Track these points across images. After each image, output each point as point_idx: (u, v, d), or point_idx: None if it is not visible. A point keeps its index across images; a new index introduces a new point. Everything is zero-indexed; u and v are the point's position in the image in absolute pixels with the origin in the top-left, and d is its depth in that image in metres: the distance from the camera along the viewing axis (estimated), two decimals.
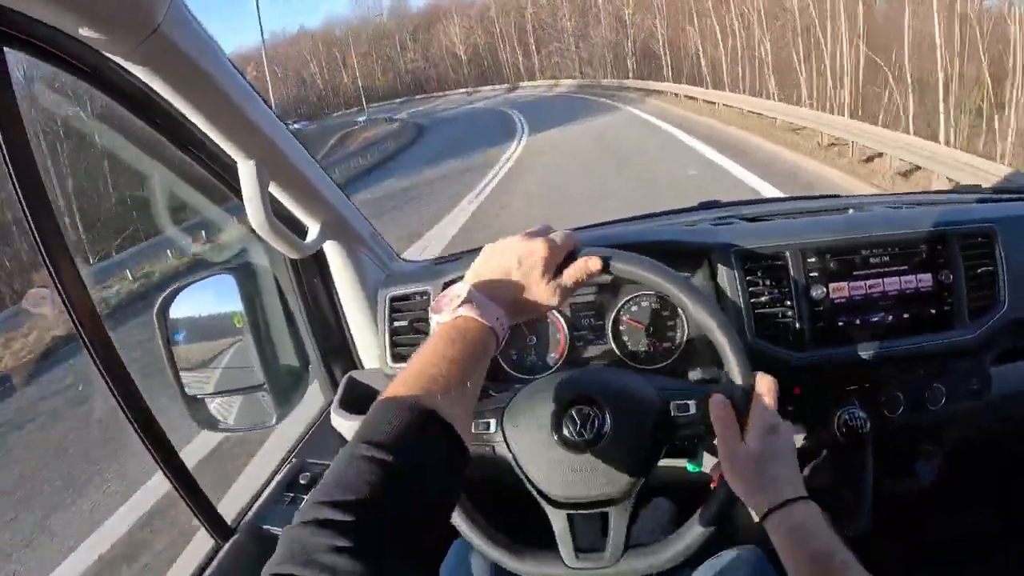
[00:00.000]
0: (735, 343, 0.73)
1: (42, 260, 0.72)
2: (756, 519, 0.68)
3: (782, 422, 0.71)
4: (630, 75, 29.37)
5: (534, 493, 0.75)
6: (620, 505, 0.75)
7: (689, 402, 0.73)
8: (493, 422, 0.76)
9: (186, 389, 1.06)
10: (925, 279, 1.00)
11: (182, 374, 1.06)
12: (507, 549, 0.76)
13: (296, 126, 24.20)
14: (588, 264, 0.73)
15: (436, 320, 0.66)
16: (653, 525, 1.19)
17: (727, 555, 0.89)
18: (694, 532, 0.73)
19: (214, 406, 1.10)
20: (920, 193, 1.33)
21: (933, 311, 1.00)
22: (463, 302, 0.65)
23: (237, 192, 0.90)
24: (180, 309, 1.06)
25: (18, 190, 0.66)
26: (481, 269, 0.71)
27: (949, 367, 1.01)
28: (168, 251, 8.10)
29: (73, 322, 0.75)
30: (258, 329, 1.07)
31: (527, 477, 0.75)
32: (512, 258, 0.71)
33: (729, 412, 0.71)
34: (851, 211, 1.11)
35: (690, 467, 0.92)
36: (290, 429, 1.19)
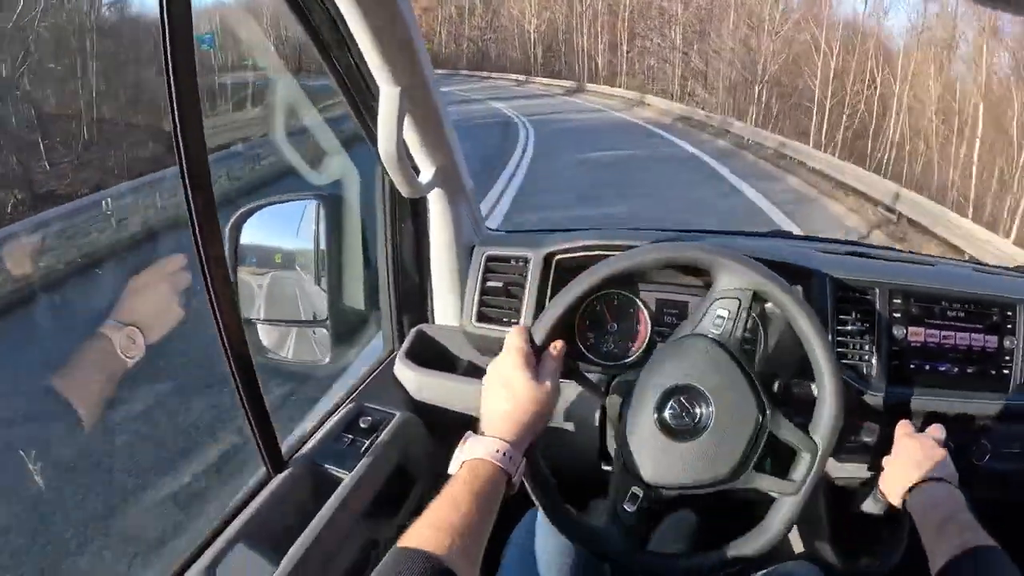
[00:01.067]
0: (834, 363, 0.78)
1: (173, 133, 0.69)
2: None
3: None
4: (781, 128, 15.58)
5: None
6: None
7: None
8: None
9: (243, 311, 1.02)
10: (992, 340, 1.04)
11: (242, 294, 1.03)
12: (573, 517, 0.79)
13: None
14: (557, 346, 0.79)
15: (455, 459, 0.70)
16: (675, 535, 1.19)
17: (783, 567, 0.90)
18: (768, 537, 0.78)
19: (266, 333, 1.07)
20: (994, 266, 1.39)
21: (993, 372, 1.04)
22: (463, 447, 0.70)
23: (362, 116, 0.89)
24: (256, 227, 1.04)
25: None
26: (484, 410, 0.74)
27: (996, 428, 1.05)
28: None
29: (189, 211, 0.72)
30: (332, 264, 1.05)
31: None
32: (498, 388, 0.74)
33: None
34: (938, 266, 1.15)
35: None
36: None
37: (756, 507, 0.82)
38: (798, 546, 1.05)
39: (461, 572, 0.58)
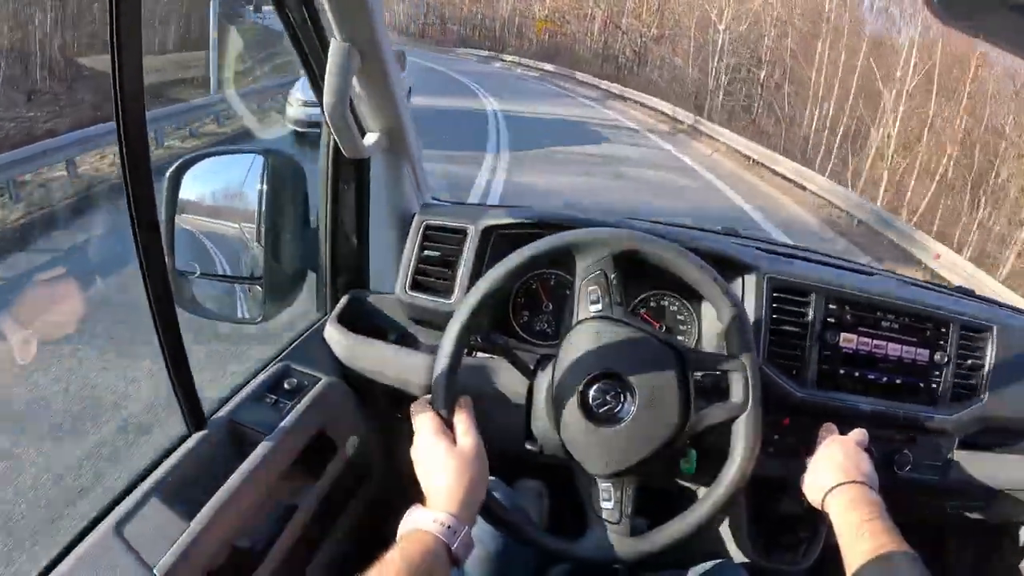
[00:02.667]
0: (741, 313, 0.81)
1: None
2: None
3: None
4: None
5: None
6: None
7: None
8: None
9: (177, 262, 1.00)
10: (923, 354, 1.05)
11: (177, 246, 1.00)
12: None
13: None
14: (462, 403, 0.79)
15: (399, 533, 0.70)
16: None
17: (708, 566, 0.92)
18: (695, 518, 0.80)
19: (201, 287, 1.05)
20: (932, 283, 1.41)
21: (921, 384, 1.06)
22: (406, 519, 0.71)
23: (312, 72, 0.87)
24: (197, 178, 1.01)
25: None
26: (426, 491, 0.74)
27: (921, 439, 1.08)
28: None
29: (123, 167, 0.70)
30: (272, 222, 1.03)
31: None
32: (427, 467, 0.75)
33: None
34: (876, 276, 1.16)
35: (683, 468, 0.94)
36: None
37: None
38: (719, 545, 1.05)
39: None
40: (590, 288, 0.82)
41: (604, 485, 0.79)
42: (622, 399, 0.79)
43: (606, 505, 0.79)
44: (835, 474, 0.86)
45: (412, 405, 0.80)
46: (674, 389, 0.79)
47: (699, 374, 0.91)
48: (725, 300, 0.81)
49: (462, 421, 0.78)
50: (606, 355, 0.80)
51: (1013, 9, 0.42)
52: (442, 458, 0.74)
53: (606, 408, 0.79)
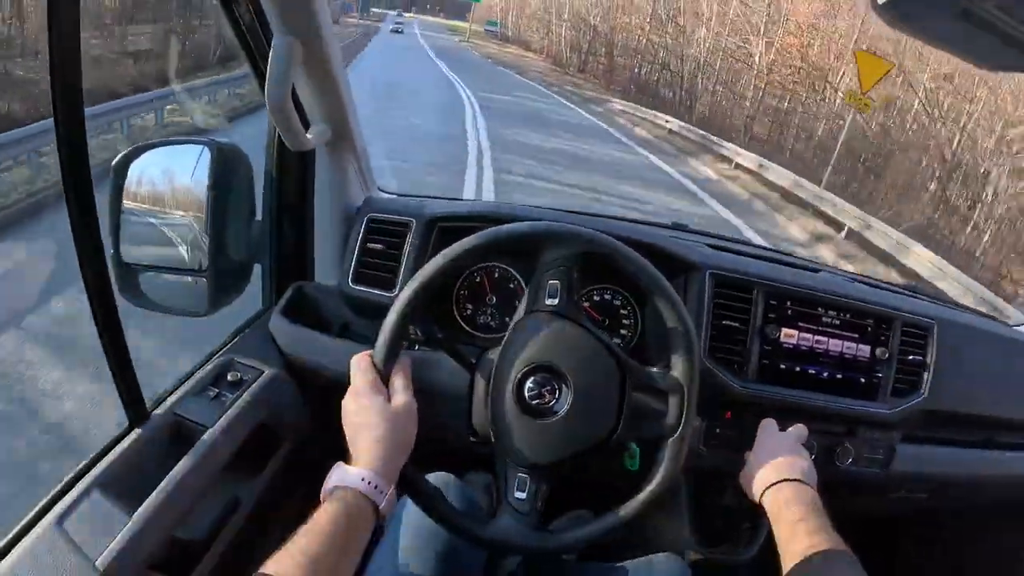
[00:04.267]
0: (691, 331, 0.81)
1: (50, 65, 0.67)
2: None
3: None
4: None
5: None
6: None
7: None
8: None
9: (122, 254, 0.99)
10: (864, 350, 1.07)
11: (122, 237, 0.99)
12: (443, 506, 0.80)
13: None
14: (402, 361, 0.79)
15: (324, 488, 0.70)
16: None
17: (649, 559, 0.94)
18: (627, 511, 0.80)
19: (145, 279, 1.04)
20: (870, 277, 1.44)
21: (863, 379, 1.08)
22: (330, 477, 0.70)
23: (255, 64, 0.87)
24: (142, 169, 1.01)
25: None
26: (350, 443, 0.74)
27: (862, 433, 1.10)
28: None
29: (60, 160, 0.70)
30: (217, 214, 1.02)
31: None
32: (356, 420, 0.74)
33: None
34: (821, 273, 1.18)
35: (627, 464, 0.94)
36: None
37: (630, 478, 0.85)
38: (661, 537, 1.06)
39: None
40: (551, 282, 0.82)
41: (521, 475, 0.79)
42: (558, 394, 0.79)
43: (519, 495, 0.79)
44: (772, 471, 0.87)
45: (354, 358, 0.79)
46: (613, 400, 0.79)
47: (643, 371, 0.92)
48: (676, 311, 0.81)
49: (399, 378, 0.77)
50: (549, 348, 0.80)
51: (957, 16, 0.43)
52: (374, 414, 0.73)
53: (539, 401, 0.79)
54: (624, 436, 0.80)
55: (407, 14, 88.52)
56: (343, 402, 0.76)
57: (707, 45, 22.84)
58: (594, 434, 0.79)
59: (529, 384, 0.79)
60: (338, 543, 0.63)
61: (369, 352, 0.78)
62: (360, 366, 0.77)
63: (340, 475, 0.69)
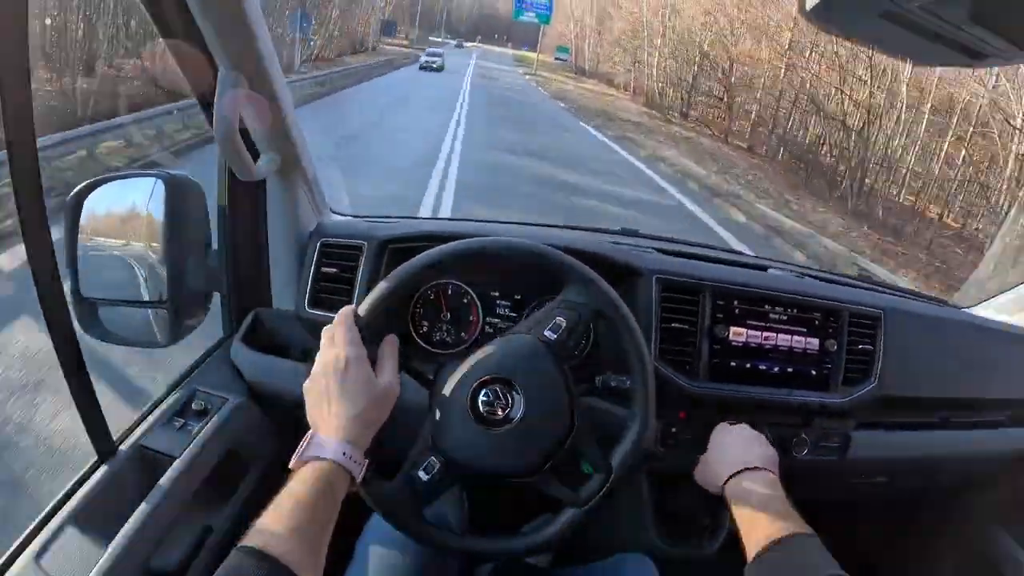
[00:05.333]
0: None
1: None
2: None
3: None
4: None
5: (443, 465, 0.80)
6: (527, 485, 0.82)
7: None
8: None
9: (81, 289, 1.00)
10: (813, 343, 1.11)
11: (80, 272, 1.00)
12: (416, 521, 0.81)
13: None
14: (390, 341, 0.80)
15: (297, 456, 0.70)
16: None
17: (615, 560, 0.95)
18: (569, 515, 0.82)
19: (106, 313, 1.05)
20: (825, 271, 1.47)
21: (813, 372, 1.11)
22: (309, 446, 0.70)
23: (203, 97, 0.88)
24: (97, 203, 1.01)
25: None
26: (325, 407, 0.73)
27: (816, 423, 1.14)
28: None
29: (15, 192, 0.71)
30: (174, 245, 1.03)
31: (441, 447, 0.80)
32: (323, 384, 0.74)
33: None
34: (770, 270, 1.21)
35: (584, 468, 0.96)
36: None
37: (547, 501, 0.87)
38: (624, 536, 1.09)
39: (303, 574, 0.59)
40: (559, 317, 0.84)
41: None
42: (511, 403, 0.80)
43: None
44: (728, 464, 0.89)
45: (340, 314, 0.78)
46: (545, 443, 0.81)
47: (598, 378, 0.95)
48: (643, 405, 0.84)
49: (388, 358, 0.77)
50: (521, 371, 0.82)
51: (884, 16, 0.45)
52: (359, 390, 0.72)
53: (491, 410, 0.80)
54: (540, 481, 0.82)
55: (468, 43, 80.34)
56: (323, 364, 0.74)
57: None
58: (516, 466, 0.81)
59: (486, 392, 0.80)
60: (318, 514, 0.65)
61: (350, 309, 0.79)
62: (345, 323, 0.77)
63: (318, 445, 0.69)
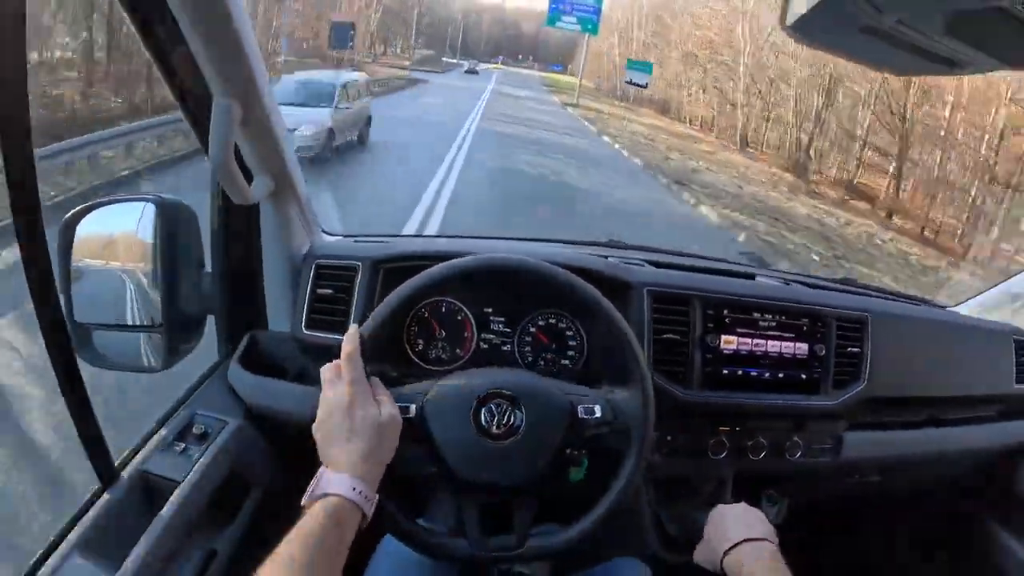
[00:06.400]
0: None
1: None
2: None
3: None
4: None
5: (443, 478, 0.82)
6: (528, 493, 0.83)
7: (594, 406, 0.84)
8: (414, 407, 0.82)
9: (75, 314, 1.00)
10: (802, 348, 1.12)
11: (75, 297, 1.00)
12: (421, 531, 0.82)
13: None
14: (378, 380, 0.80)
15: (309, 493, 0.70)
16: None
17: (610, 566, 0.96)
18: (594, 517, 0.83)
19: (100, 338, 1.04)
20: (810, 276, 1.50)
21: (804, 376, 1.13)
22: (320, 484, 0.70)
23: (196, 124, 0.89)
24: (90, 228, 1.01)
25: None
26: (336, 445, 0.74)
27: (809, 426, 1.16)
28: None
29: (12, 209, 0.70)
30: (167, 269, 1.03)
31: (444, 461, 0.81)
32: (330, 424, 0.75)
33: None
34: (758, 278, 1.23)
35: (572, 476, 0.97)
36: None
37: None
38: (623, 542, 1.10)
39: None
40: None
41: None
42: (512, 417, 0.82)
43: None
44: (726, 538, 0.88)
45: (346, 335, 0.79)
46: (553, 442, 0.82)
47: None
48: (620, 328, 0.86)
49: (385, 394, 0.78)
50: (516, 382, 0.84)
51: (863, 30, 0.46)
52: (367, 427, 0.74)
53: (496, 424, 0.81)
54: (561, 483, 0.84)
55: (487, 64, 63.70)
56: (336, 403, 0.75)
57: None
58: (531, 472, 0.82)
59: (488, 407, 0.82)
60: (328, 550, 0.65)
61: (354, 336, 0.79)
62: (348, 359, 0.77)
63: (327, 481, 0.70)
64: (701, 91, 22.69)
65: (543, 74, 56.03)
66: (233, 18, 0.77)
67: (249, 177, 1.00)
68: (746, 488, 1.18)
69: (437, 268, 0.86)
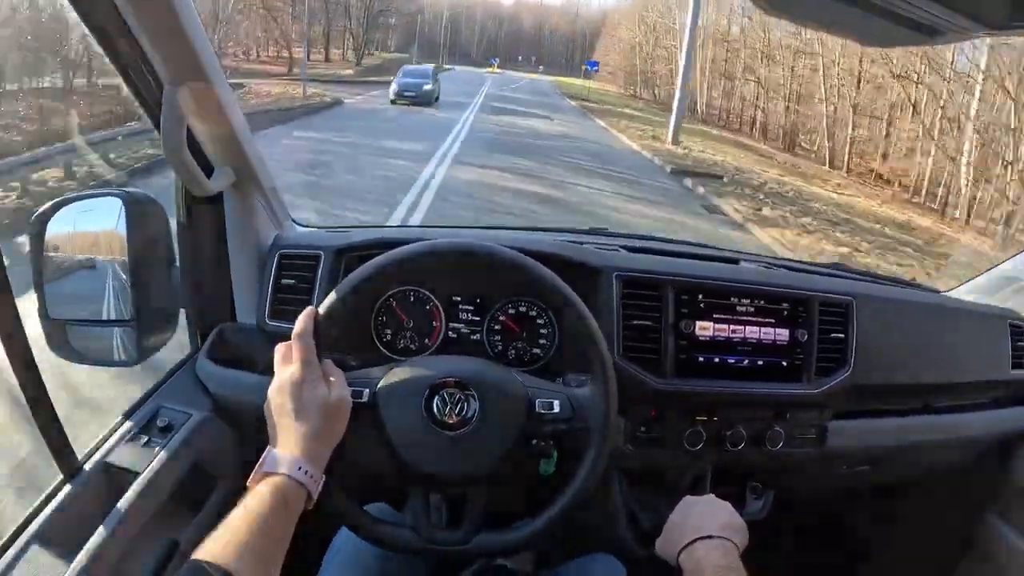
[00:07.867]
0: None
1: None
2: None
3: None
4: None
5: (394, 467, 0.80)
6: (479, 486, 0.82)
7: (553, 401, 0.82)
8: (367, 391, 0.81)
9: (48, 310, 1.00)
10: (783, 334, 1.09)
11: (47, 293, 1.00)
12: (369, 520, 0.81)
13: None
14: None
15: (254, 473, 0.70)
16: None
17: (583, 561, 0.94)
18: (547, 517, 0.81)
19: (74, 333, 1.04)
20: (793, 260, 1.46)
21: (785, 363, 1.09)
22: (265, 462, 0.70)
23: (151, 113, 0.88)
24: (60, 224, 1.01)
25: None
26: (280, 423, 0.73)
27: (791, 415, 1.12)
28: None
29: None
30: (137, 264, 1.03)
31: (394, 448, 0.80)
32: (279, 401, 0.74)
33: None
34: (741, 263, 1.19)
35: (541, 468, 0.95)
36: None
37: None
38: (597, 536, 1.08)
39: None
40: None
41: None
42: (466, 406, 0.81)
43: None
44: (684, 534, 0.85)
45: (299, 320, 0.78)
46: (511, 431, 0.81)
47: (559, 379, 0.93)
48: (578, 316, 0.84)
49: (337, 375, 0.78)
50: (470, 370, 0.82)
51: (839, 1, 0.45)
52: (314, 408, 0.73)
53: (448, 414, 0.80)
54: (523, 469, 0.82)
55: (482, 69, 53.94)
56: (287, 382, 0.74)
57: None
58: (491, 462, 0.81)
59: (439, 397, 0.81)
60: (272, 530, 0.64)
61: (308, 317, 0.79)
62: (299, 339, 0.76)
63: (273, 460, 0.70)
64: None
65: (548, 78, 47.28)
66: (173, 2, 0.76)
67: (210, 170, 0.99)
68: (729, 481, 1.15)
69: (394, 251, 0.85)
